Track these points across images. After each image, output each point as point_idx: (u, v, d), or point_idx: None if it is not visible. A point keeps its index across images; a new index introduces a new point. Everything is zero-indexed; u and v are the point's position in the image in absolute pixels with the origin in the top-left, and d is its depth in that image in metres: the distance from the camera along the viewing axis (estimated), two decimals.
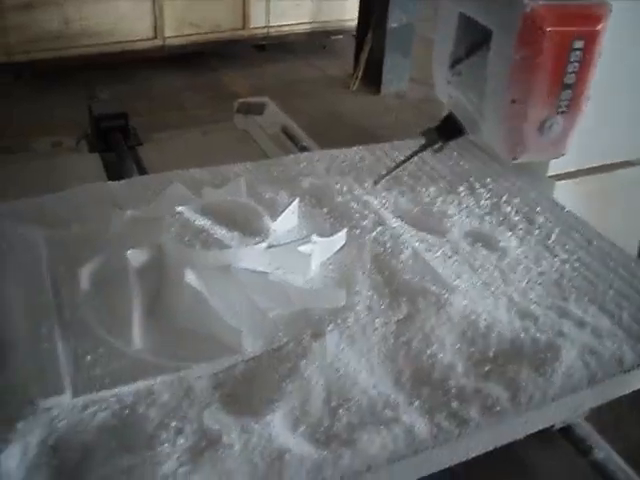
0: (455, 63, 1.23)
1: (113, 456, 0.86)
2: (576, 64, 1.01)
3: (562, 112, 1.05)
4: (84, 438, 0.88)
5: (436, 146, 1.30)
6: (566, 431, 1.31)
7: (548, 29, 0.97)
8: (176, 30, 4.77)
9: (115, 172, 2.14)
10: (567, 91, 1.03)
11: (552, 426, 1.25)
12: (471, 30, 1.14)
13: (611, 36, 1.11)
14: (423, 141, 1.50)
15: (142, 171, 2.18)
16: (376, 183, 1.47)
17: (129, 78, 4.64)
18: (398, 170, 1.51)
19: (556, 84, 1.02)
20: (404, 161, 1.42)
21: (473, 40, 1.14)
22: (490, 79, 1.07)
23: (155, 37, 4.73)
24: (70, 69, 4.40)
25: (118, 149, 2.30)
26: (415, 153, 1.33)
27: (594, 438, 1.30)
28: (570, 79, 1.02)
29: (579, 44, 1.00)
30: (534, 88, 1.02)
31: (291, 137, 2.24)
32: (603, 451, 1.27)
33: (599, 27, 0.99)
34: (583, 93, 1.04)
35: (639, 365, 1.09)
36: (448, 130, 1.22)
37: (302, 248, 1.16)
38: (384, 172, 1.51)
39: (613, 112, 1.38)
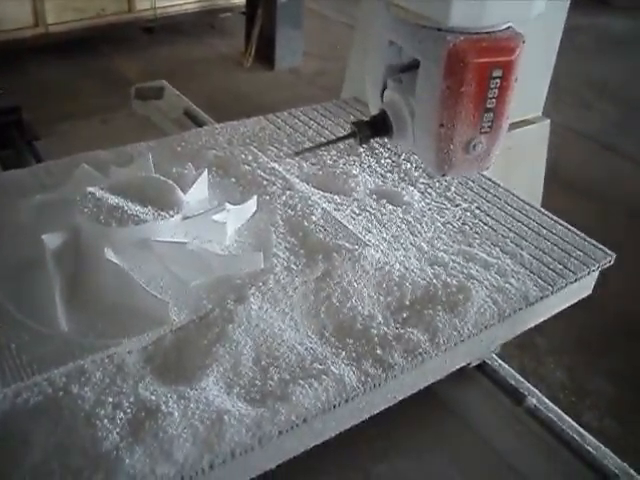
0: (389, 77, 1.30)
1: (52, 439, 0.85)
2: (496, 90, 1.10)
3: (485, 132, 1.14)
4: (20, 425, 0.87)
5: (361, 136, 1.35)
6: (481, 367, 1.39)
7: (470, 61, 1.05)
8: (59, 16, 4.57)
9: None
10: (489, 114, 1.12)
11: (468, 364, 1.33)
12: (402, 55, 1.22)
13: None
14: (320, 109, 1.68)
15: None
16: (297, 155, 1.51)
17: (17, 69, 4.43)
18: (298, 136, 1.59)
19: (479, 108, 1.11)
20: (329, 142, 1.46)
21: (404, 64, 1.22)
22: (418, 104, 1.15)
23: (37, 24, 4.52)
24: None
25: (14, 146, 2.21)
26: (340, 139, 1.39)
27: (507, 371, 1.39)
28: (491, 103, 1.11)
29: (498, 72, 1.09)
30: (460, 113, 1.10)
31: (194, 119, 2.21)
32: (514, 380, 1.37)
33: (514, 57, 1.09)
34: (503, 114, 1.14)
35: (542, 298, 1.18)
36: (378, 126, 1.28)
37: (217, 217, 1.17)
38: (286, 140, 1.58)
39: None
